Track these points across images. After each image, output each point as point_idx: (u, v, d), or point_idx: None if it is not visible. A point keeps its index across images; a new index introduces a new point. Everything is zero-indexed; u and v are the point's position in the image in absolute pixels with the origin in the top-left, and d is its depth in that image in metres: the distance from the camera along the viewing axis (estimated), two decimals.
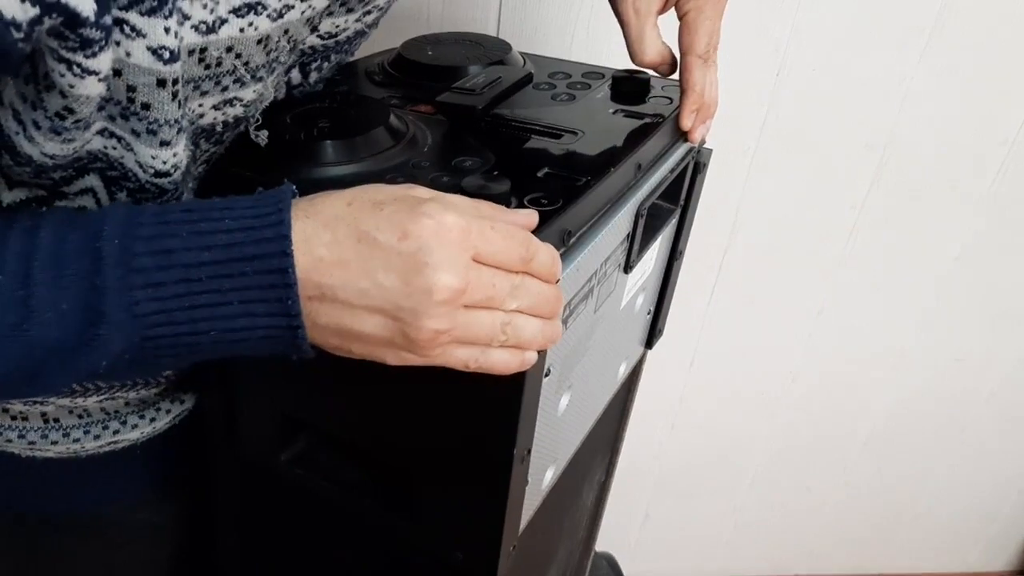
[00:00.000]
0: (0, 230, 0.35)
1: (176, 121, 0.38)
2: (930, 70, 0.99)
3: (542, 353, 0.43)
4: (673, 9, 0.54)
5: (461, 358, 0.38)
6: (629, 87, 0.60)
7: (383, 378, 0.48)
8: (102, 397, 0.56)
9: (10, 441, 0.57)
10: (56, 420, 0.56)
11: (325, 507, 0.57)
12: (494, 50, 0.64)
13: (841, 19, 0.95)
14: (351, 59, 0.63)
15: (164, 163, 0.40)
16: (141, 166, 0.41)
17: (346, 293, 0.35)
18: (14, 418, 0.56)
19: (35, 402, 0.55)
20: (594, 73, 0.65)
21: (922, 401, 1.33)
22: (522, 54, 0.66)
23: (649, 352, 0.73)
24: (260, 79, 0.43)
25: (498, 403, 0.45)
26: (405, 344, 0.37)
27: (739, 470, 1.39)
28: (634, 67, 0.58)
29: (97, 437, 0.58)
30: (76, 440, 0.58)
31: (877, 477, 1.42)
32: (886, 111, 1.02)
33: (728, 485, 1.41)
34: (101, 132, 0.39)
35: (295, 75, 0.54)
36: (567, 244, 0.44)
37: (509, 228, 0.37)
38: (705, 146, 0.62)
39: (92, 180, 0.43)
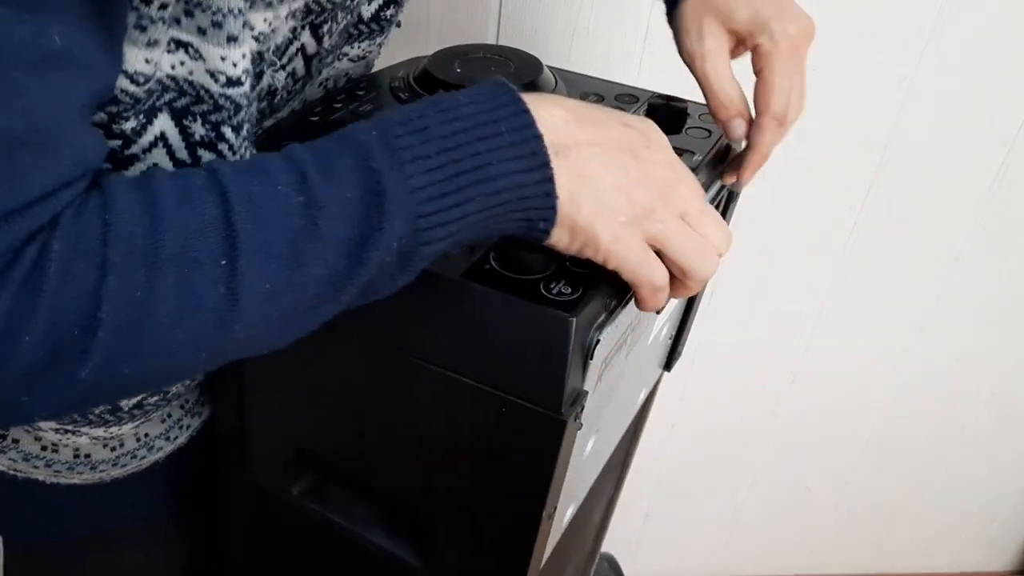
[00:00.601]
0: (253, 166, 0.35)
1: (240, 12, 0.38)
2: (930, 70, 0.99)
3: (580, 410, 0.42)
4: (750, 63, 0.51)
5: (639, 252, 0.40)
6: (666, 115, 0.56)
7: (406, 426, 0.48)
8: (137, 424, 0.56)
9: (36, 468, 0.56)
10: (87, 456, 0.56)
11: (336, 540, 0.56)
12: (525, 69, 0.60)
13: (841, 19, 0.95)
14: (373, 63, 0.62)
15: (234, 65, 0.40)
16: (212, 75, 0.40)
17: (588, 138, 0.39)
18: (44, 448, 0.55)
19: (68, 431, 0.54)
20: (628, 95, 0.61)
21: (922, 401, 1.33)
22: (552, 70, 0.62)
23: None
24: (270, 4, 0.42)
25: (532, 465, 0.43)
26: (637, 189, 0.39)
27: (739, 470, 1.39)
28: (670, 94, 0.55)
29: (124, 466, 0.58)
30: (103, 471, 0.58)
31: (877, 477, 1.42)
32: (886, 111, 1.02)
33: (728, 485, 1.41)
34: (169, 47, 0.39)
35: (308, 41, 0.51)
36: (609, 310, 0.42)
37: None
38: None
39: (163, 122, 0.42)
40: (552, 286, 0.40)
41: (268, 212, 0.34)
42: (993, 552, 1.58)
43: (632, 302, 0.43)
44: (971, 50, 0.98)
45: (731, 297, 1.17)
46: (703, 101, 0.55)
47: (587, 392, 0.42)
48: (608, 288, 0.42)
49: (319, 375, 0.50)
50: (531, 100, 0.38)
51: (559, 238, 0.39)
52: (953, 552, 1.57)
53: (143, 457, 0.58)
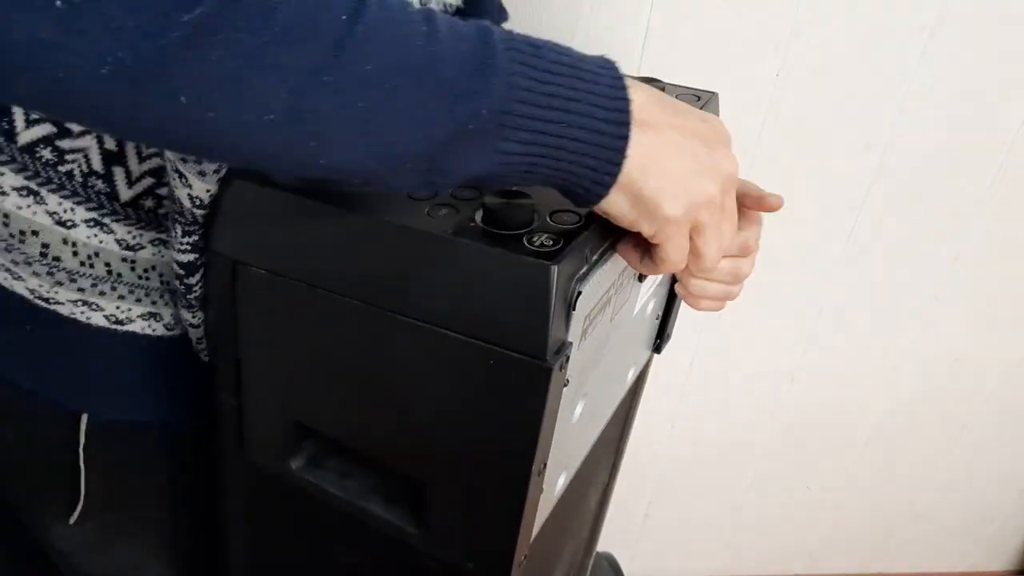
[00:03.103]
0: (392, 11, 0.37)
1: None
2: (930, 70, 0.99)
3: (565, 364, 0.43)
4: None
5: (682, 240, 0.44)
6: None
7: (399, 388, 0.49)
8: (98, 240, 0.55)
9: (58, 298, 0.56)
10: (57, 257, 0.55)
11: (334, 513, 0.57)
12: None
13: (841, 19, 0.95)
14: None
15: None
16: None
17: (670, 120, 0.42)
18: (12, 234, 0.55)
19: (34, 196, 0.53)
20: None
21: (922, 401, 1.33)
22: None
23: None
24: None
25: (519, 418, 0.44)
26: (704, 178, 0.42)
27: (739, 470, 1.40)
28: (652, 76, 0.57)
29: (94, 288, 0.57)
30: (74, 283, 0.56)
31: (877, 477, 1.42)
32: (886, 111, 1.02)
33: (728, 485, 1.41)
34: None
35: None
36: (589, 262, 0.44)
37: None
38: None
39: None
40: (535, 239, 0.42)
41: (394, 17, 0.36)
42: (993, 552, 1.58)
43: (610, 258, 0.46)
44: (971, 50, 0.98)
45: None
46: (686, 85, 0.56)
47: (571, 343, 0.44)
48: (589, 242, 0.44)
49: (312, 342, 0.51)
50: (628, 78, 0.41)
51: (618, 203, 0.42)
52: (953, 552, 1.57)
53: (105, 295, 0.57)
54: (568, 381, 0.46)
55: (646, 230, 0.43)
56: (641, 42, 0.95)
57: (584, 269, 0.43)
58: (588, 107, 0.39)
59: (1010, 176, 1.09)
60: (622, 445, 0.79)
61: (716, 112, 0.62)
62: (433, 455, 0.50)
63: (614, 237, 0.47)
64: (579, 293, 0.42)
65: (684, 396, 1.28)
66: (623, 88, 0.40)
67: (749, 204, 0.54)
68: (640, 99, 0.41)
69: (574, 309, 0.43)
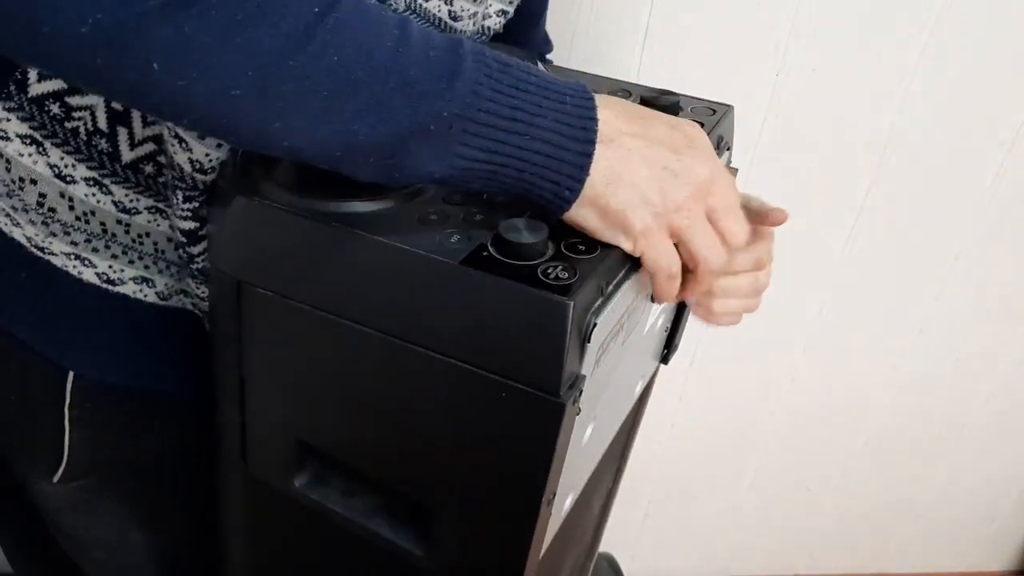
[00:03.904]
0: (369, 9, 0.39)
1: None
2: (930, 70, 0.99)
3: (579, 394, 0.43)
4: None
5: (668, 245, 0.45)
6: (658, 109, 0.56)
7: (407, 415, 0.48)
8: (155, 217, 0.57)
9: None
10: (53, 209, 0.55)
11: (338, 533, 0.56)
12: None
13: (840, 19, 0.95)
14: None
15: None
16: None
17: (633, 130, 0.43)
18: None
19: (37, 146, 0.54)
20: (622, 90, 0.62)
21: (922, 401, 1.33)
22: (550, 68, 0.63)
23: None
24: None
25: (531, 450, 0.44)
26: (672, 184, 0.43)
27: (739, 470, 1.39)
28: (662, 88, 0.56)
29: (88, 243, 0.57)
30: (68, 235, 0.56)
31: (877, 477, 1.42)
32: (886, 111, 1.02)
33: (728, 485, 1.41)
34: None
35: None
36: (604, 294, 0.43)
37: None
38: (730, 165, 0.61)
39: None
40: (549, 271, 0.41)
41: (368, 16, 0.38)
42: (993, 552, 1.58)
43: (625, 286, 0.45)
44: (971, 50, 0.98)
45: None
46: (697, 95, 0.55)
47: (585, 376, 0.43)
48: (604, 273, 0.43)
49: (319, 366, 0.50)
50: (600, 96, 0.43)
51: (588, 217, 0.43)
52: (953, 552, 1.57)
53: (98, 252, 0.57)
54: (580, 410, 0.45)
55: (625, 244, 0.44)
56: (640, 43, 0.95)
57: (599, 301, 0.42)
58: (553, 123, 0.41)
59: (1010, 176, 1.09)
60: (626, 452, 0.79)
61: (731, 126, 0.61)
62: (441, 482, 0.49)
63: (629, 266, 0.46)
64: (595, 325, 0.41)
65: (684, 396, 1.28)
66: (592, 108, 0.42)
67: (752, 219, 0.54)
68: (606, 116, 0.42)
69: (589, 342, 0.41)
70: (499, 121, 0.40)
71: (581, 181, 0.42)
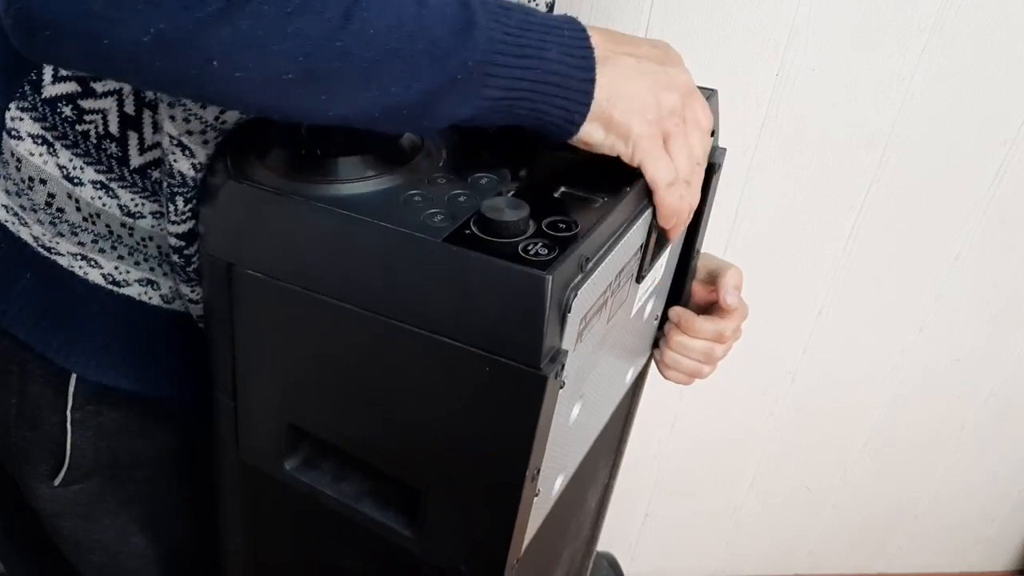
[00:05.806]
0: None
1: None
2: (930, 70, 0.99)
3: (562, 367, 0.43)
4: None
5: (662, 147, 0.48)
6: None
7: (393, 393, 0.49)
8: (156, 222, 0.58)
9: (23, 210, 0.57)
10: (62, 210, 0.56)
11: (329, 514, 0.57)
12: None
13: (840, 19, 0.95)
14: None
15: None
16: None
17: (624, 50, 0.48)
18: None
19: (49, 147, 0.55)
20: None
21: (922, 401, 1.33)
22: None
23: None
24: None
25: (514, 424, 0.44)
26: (665, 92, 0.48)
27: (739, 470, 1.40)
28: None
29: (95, 244, 0.57)
30: (76, 238, 0.57)
31: (877, 477, 1.42)
32: (886, 111, 1.02)
33: (728, 485, 1.41)
34: None
35: None
36: (584, 270, 0.44)
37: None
38: (719, 147, 0.62)
39: None
40: (530, 248, 0.43)
41: None
42: (993, 552, 1.58)
43: (606, 262, 0.47)
44: (971, 50, 0.98)
45: None
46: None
47: (567, 351, 0.44)
48: (584, 248, 0.44)
49: (307, 346, 0.51)
50: (589, 27, 0.48)
51: (593, 132, 0.47)
52: (953, 552, 1.57)
53: (104, 253, 0.58)
54: (564, 384, 0.46)
55: (623, 152, 0.48)
56: None
57: (579, 276, 0.43)
58: (557, 55, 0.45)
59: (1010, 176, 1.09)
60: (622, 446, 0.79)
61: (716, 111, 0.62)
62: (427, 460, 0.50)
63: (609, 243, 0.47)
64: (574, 298, 0.42)
65: (684, 396, 1.28)
66: (586, 36, 0.46)
67: (709, 287, 0.64)
68: (598, 40, 0.47)
69: (569, 312, 0.43)
70: (513, 60, 0.43)
71: (587, 104, 0.46)
